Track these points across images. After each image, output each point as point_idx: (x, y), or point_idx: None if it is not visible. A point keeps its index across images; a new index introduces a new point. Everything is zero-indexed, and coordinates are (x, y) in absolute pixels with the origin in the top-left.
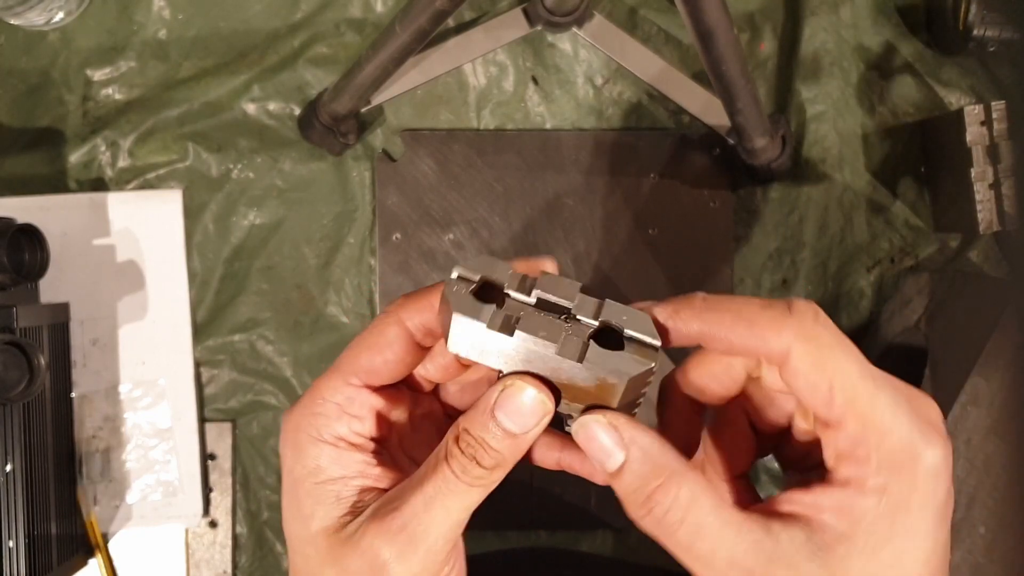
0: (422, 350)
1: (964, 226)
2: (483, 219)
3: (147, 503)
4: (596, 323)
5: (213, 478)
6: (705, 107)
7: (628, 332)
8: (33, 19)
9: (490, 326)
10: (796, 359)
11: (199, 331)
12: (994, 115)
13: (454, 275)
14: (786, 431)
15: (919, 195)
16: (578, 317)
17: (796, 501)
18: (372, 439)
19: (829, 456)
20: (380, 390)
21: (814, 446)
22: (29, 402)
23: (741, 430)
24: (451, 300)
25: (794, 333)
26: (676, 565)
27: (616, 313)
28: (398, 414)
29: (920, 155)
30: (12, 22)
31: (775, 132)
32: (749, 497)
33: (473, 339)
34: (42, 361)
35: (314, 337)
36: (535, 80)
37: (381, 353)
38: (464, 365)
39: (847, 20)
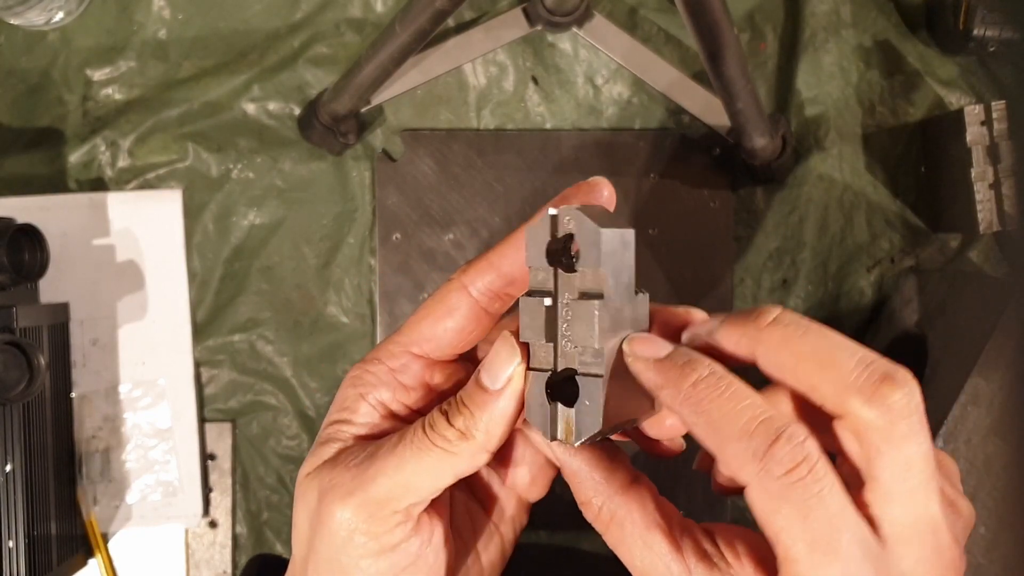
0: (488, 318)
1: (964, 226)
2: (483, 219)
3: (147, 503)
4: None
5: (213, 478)
6: (705, 107)
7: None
8: (33, 19)
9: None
10: (751, 497)
11: (199, 331)
12: (994, 115)
13: (550, 213)
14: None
15: (919, 195)
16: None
17: (724, 547)
18: (415, 411)
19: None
20: (440, 364)
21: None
22: (29, 402)
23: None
24: (527, 237)
25: (755, 481)
26: None
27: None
28: (451, 392)
29: (920, 155)
30: (12, 22)
31: (775, 132)
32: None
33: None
34: (42, 361)
35: (314, 337)
36: (535, 80)
37: (442, 321)
38: None
39: (847, 20)
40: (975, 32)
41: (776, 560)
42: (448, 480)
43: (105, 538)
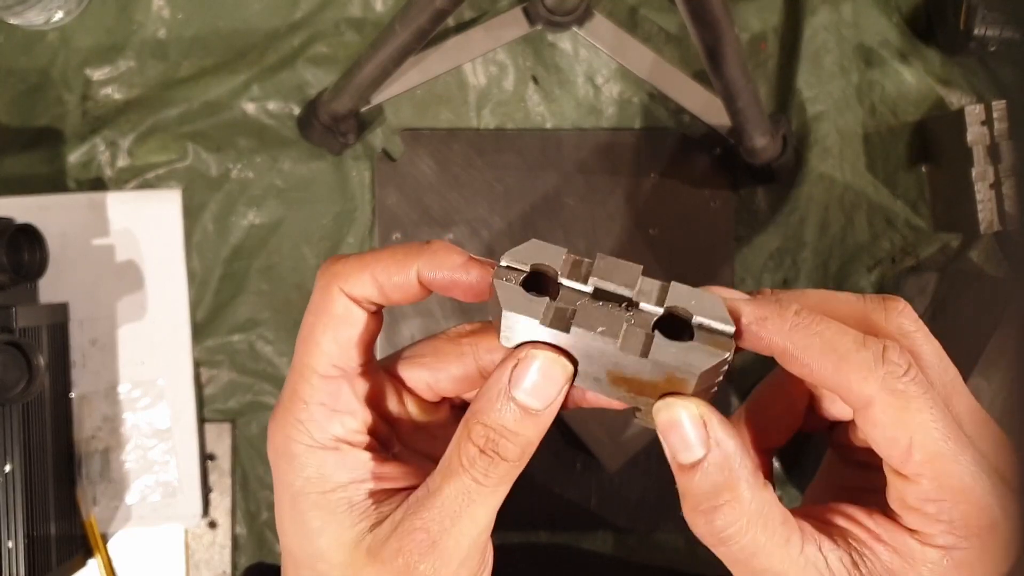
0: (375, 318)
1: (965, 226)
2: (483, 219)
3: (146, 503)
4: (661, 310)
5: (212, 478)
6: (706, 107)
7: (697, 319)
8: (32, 19)
9: (543, 322)
10: (878, 411)
11: (198, 331)
12: (995, 115)
13: (503, 263)
14: (847, 423)
15: (920, 195)
16: (640, 304)
17: (854, 521)
18: (370, 433)
19: (894, 500)
20: (365, 375)
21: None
22: (28, 402)
23: (793, 406)
24: (500, 294)
25: (881, 384)
26: (674, 565)
27: (683, 297)
28: (393, 404)
29: (921, 155)
30: (11, 21)
31: (776, 132)
32: (766, 472)
33: (527, 334)
34: (41, 361)
35: None
36: (535, 80)
37: (342, 331)
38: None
39: (848, 19)
40: (975, 32)
41: (889, 501)
42: (498, 505)
43: (104, 538)
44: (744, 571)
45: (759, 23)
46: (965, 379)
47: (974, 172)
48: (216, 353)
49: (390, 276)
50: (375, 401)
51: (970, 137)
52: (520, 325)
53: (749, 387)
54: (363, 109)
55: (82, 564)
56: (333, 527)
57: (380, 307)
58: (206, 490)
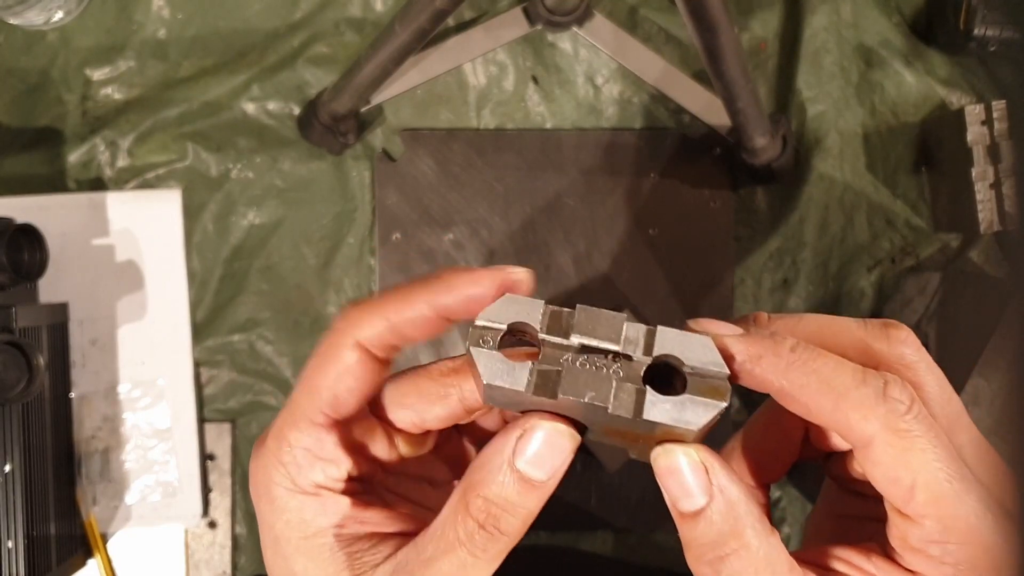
0: (385, 365)
1: (965, 226)
2: (483, 219)
3: (146, 503)
4: (649, 359)
5: (212, 478)
6: (706, 107)
7: (689, 365)
8: (32, 19)
9: (527, 390)
10: (879, 450)
11: (198, 331)
12: (995, 115)
13: (478, 323)
14: (844, 452)
15: (920, 195)
16: (629, 353)
17: (854, 567)
18: (353, 477)
19: (896, 540)
20: (351, 422)
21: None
22: (28, 402)
23: (790, 439)
24: (480, 365)
25: (882, 423)
26: (674, 565)
27: (672, 342)
28: (380, 448)
29: (921, 155)
30: (11, 21)
31: (776, 132)
32: (763, 507)
33: (510, 399)
34: (41, 361)
35: (313, 337)
36: (535, 80)
37: (343, 382)
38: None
39: (848, 19)
40: (975, 32)
41: (890, 539)
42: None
43: (104, 538)
44: None
45: (759, 23)
46: (965, 379)
47: (974, 172)
48: (216, 353)
49: (402, 314)
50: (360, 446)
51: (970, 137)
52: (503, 392)
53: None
54: (363, 109)
55: (82, 564)
56: (316, 573)
57: (396, 350)
58: (206, 490)
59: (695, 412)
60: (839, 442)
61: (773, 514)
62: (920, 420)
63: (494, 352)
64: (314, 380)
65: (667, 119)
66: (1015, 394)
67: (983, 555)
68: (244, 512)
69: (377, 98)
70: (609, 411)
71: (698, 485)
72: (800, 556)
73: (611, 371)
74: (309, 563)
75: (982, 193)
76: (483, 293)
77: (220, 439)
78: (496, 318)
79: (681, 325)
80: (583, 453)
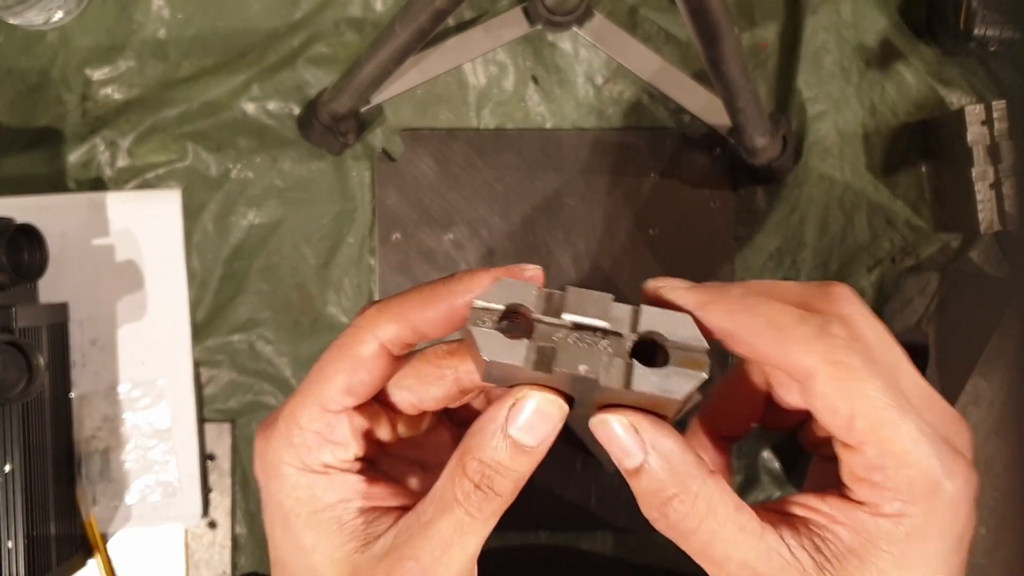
0: (399, 361)
1: (965, 226)
2: (483, 219)
3: (146, 503)
4: (635, 336)
5: (212, 478)
6: (705, 107)
7: (672, 340)
8: (32, 18)
9: (526, 365)
10: (819, 382)
11: (198, 331)
12: (995, 115)
13: (477, 305)
14: (808, 417)
15: (920, 195)
16: (616, 331)
17: (810, 508)
18: (360, 459)
19: (845, 474)
20: (359, 408)
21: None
22: (28, 402)
23: (752, 398)
24: (479, 342)
25: (821, 356)
26: (674, 565)
27: (656, 320)
28: (383, 431)
29: (921, 155)
30: (11, 21)
31: (776, 132)
32: (724, 462)
33: (507, 375)
34: (41, 361)
35: (313, 337)
36: (535, 80)
37: (357, 374)
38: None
39: (848, 19)
40: (976, 32)
41: (842, 477)
42: (487, 535)
43: (104, 538)
44: (710, 564)
45: (759, 23)
46: (965, 379)
47: (974, 172)
48: (216, 353)
49: (423, 314)
50: (366, 431)
51: (970, 137)
52: (501, 368)
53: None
54: (363, 109)
55: (82, 564)
56: (324, 545)
57: (411, 347)
58: (206, 490)
59: (678, 382)
60: (796, 400)
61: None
62: (857, 354)
63: (493, 331)
64: (329, 369)
65: (667, 119)
66: (1016, 394)
67: (921, 477)
68: (244, 512)
69: (377, 98)
70: (600, 383)
71: (633, 444)
72: (761, 506)
73: (601, 347)
74: (318, 537)
75: (982, 193)
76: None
77: (220, 439)
78: (493, 300)
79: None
80: (583, 453)
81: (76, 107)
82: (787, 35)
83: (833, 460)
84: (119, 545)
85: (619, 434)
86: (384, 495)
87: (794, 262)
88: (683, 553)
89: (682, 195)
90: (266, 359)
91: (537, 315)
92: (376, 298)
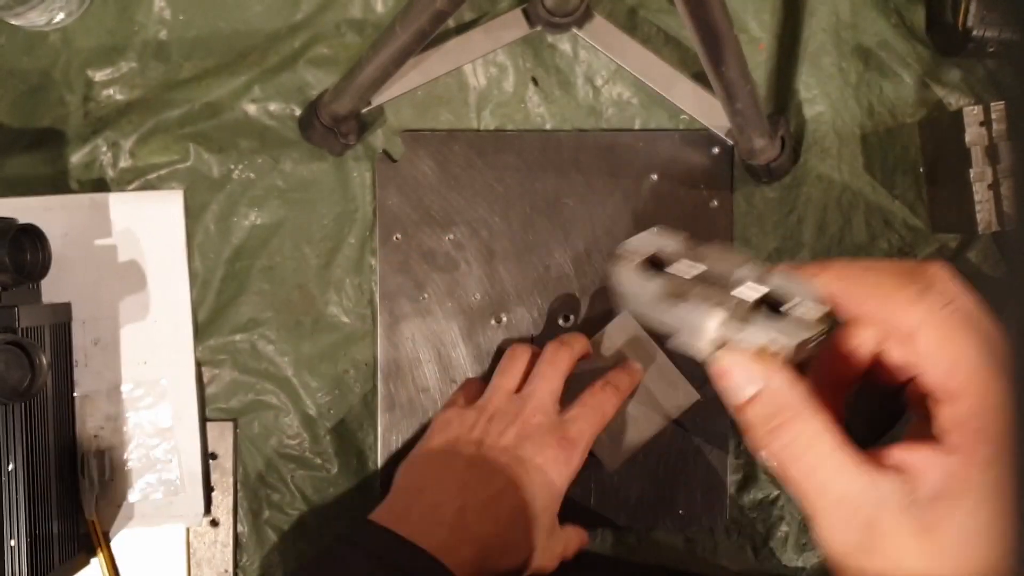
0: None
1: (963, 226)
2: (483, 219)
3: (148, 502)
4: (764, 289)
5: (214, 477)
6: (705, 108)
7: (796, 299)
8: (34, 19)
9: (662, 291)
10: (923, 339)
11: (200, 331)
12: (993, 116)
13: (622, 249)
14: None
15: (918, 195)
16: (746, 284)
17: (904, 457)
18: None
19: (938, 426)
20: None
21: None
22: (31, 402)
23: (857, 356)
24: (622, 275)
25: (924, 314)
26: (675, 564)
27: (783, 281)
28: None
29: (919, 155)
30: (13, 22)
31: (774, 132)
32: (833, 408)
33: (644, 303)
34: (44, 361)
35: (315, 337)
36: (535, 81)
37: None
38: None
39: (846, 20)
40: (975, 33)
41: (935, 430)
42: None
43: (107, 537)
44: (808, 493)
45: (758, 24)
46: None
47: (972, 173)
48: (218, 353)
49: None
50: None
51: (968, 138)
52: (639, 299)
53: None
54: (364, 110)
55: (84, 563)
56: None
57: None
58: (208, 489)
59: (794, 329)
60: (895, 354)
61: (771, 512)
62: (958, 312)
63: (635, 267)
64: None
65: (667, 120)
66: (1015, 394)
67: (1011, 432)
68: (246, 511)
69: (378, 99)
70: (727, 318)
71: (747, 378)
72: (860, 453)
73: (729, 292)
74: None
75: (980, 194)
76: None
77: (222, 438)
78: (640, 246)
79: None
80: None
81: (78, 108)
82: (785, 36)
83: (927, 419)
84: (121, 544)
85: (740, 363)
86: None
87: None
88: (681, 553)
89: (681, 195)
90: (268, 359)
91: (676, 260)
92: (376, 298)
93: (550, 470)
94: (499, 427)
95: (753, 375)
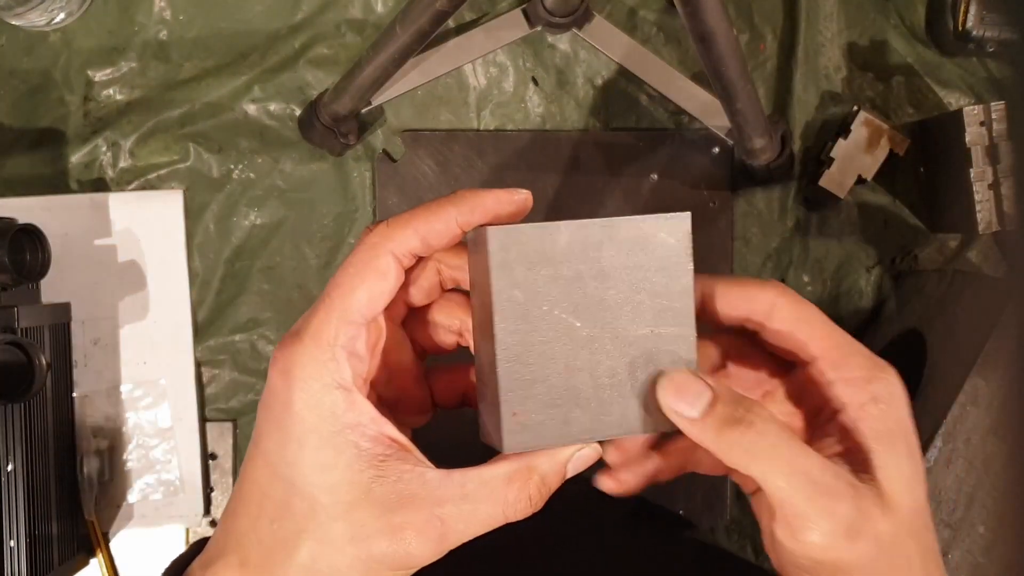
0: (405, 274)
1: (963, 226)
2: None
3: (148, 503)
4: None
5: (214, 478)
6: (705, 107)
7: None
8: (34, 20)
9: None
10: (781, 308)
11: (200, 331)
12: (993, 115)
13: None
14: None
15: (918, 195)
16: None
17: (828, 436)
18: (366, 380)
19: (816, 378)
20: (375, 324)
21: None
22: (30, 402)
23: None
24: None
25: (779, 291)
26: (673, 564)
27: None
28: (378, 346)
29: (919, 155)
30: (13, 22)
31: (774, 132)
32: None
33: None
34: (43, 361)
35: None
36: (535, 81)
37: (377, 285)
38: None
39: (846, 21)
40: (974, 32)
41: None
42: None
43: (106, 538)
44: (775, 475)
45: (757, 24)
46: (963, 379)
47: (972, 173)
48: (218, 353)
49: (432, 226)
50: (375, 347)
51: (968, 138)
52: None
53: None
54: (364, 110)
55: (84, 563)
56: (343, 466)
57: (416, 259)
58: (208, 489)
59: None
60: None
61: None
62: (798, 295)
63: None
64: (352, 283)
65: (666, 120)
66: (1014, 394)
67: (875, 364)
68: None
69: (378, 99)
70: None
71: (701, 386)
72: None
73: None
74: (338, 456)
75: (980, 194)
76: (496, 206)
77: (222, 438)
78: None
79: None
80: None
81: (78, 108)
82: (785, 37)
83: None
84: (121, 544)
85: (688, 381)
86: (383, 421)
87: (792, 262)
88: (674, 555)
89: (681, 195)
90: (268, 359)
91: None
92: None
93: None
94: None
95: (702, 385)
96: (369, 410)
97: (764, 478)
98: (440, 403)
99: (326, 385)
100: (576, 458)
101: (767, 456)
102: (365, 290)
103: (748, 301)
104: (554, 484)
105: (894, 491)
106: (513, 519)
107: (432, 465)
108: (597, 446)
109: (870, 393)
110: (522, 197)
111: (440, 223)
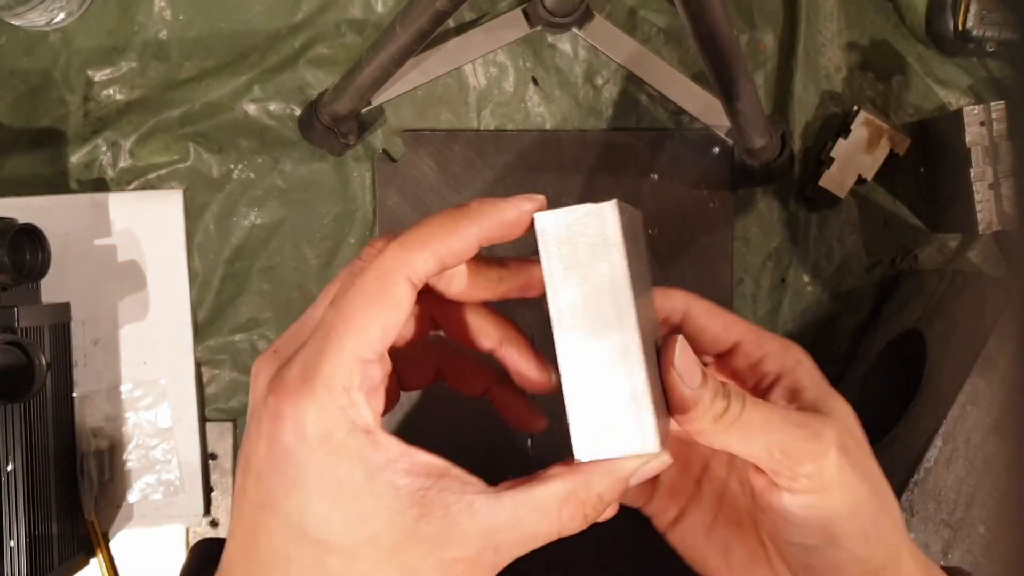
0: (417, 294)
1: (963, 226)
2: None
3: (148, 503)
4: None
5: (214, 478)
6: (705, 107)
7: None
8: (34, 19)
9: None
10: (748, 343)
11: (200, 331)
12: (993, 115)
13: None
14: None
15: (918, 195)
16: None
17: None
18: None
19: (785, 391)
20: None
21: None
22: (30, 402)
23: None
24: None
25: (684, 294)
26: (674, 564)
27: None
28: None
29: (919, 155)
30: (13, 22)
31: (774, 132)
32: None
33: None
34: (43, 361)
35: None
36: (535, 81)
37: (394, 317)
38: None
39: (846, 21)
40: (974, 33)
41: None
42: None
43: (106, 538)
44: (765, 449)
45: (758, 25)
46: (963, 379)
47: (973, 173)
48: (218, 353)
49: (451, 247)
50: (387, 377)
51: (969, 138)
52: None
53: None
54: (364, 110)
55: (84, 563)
56: (383, 512)
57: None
58: (208, 489)
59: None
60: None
61: None
62: (707, 300)
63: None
64: (364, 316)
65: (667, 119)
66: (1014, 394)
67: (786, 344)
68: None
69: (378, 99)
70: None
71: (696, 362)
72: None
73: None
74: (377, 503)
75: (981, 194)
76: (517, 218)
77: (222, 438)
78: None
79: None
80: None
81: (78, 108)
82: (785, 37)
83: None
84: (121, 544)
85: (688, 353)
86: (416, 455)
87: (792, 262)
88: (667, 555)
89: (681, 195)
90: None
91: None
92: None
93: None
94: None
95: (697, 370)
96: (395, 444)
97: (749, 450)
98: (408, 387)
99: (349, 432)
100: (641, 472)
101: (752, 428)
102: (379, 325)
103: (664, 300)
104: (612, 500)
105: (851, 424)
106: (567, 535)
107: (475, 480)
108: (667, 456)
109: (794, 358)
110: (532, 204)
111: (459, 242)
